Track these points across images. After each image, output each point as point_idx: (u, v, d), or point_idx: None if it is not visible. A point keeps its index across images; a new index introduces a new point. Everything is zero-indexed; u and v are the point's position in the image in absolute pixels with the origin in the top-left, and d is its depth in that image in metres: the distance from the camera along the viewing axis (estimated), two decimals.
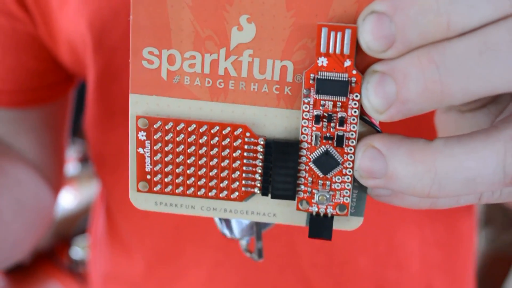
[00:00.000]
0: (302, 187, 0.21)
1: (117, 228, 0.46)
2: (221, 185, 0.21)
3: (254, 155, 0.21)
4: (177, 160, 0.21)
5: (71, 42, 0.38)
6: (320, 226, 0.21)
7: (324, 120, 0.20)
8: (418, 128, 0.30)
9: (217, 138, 0.21)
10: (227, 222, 0.25)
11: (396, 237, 0.40)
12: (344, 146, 0.20)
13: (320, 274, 0.39)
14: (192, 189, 0.21)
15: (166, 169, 0.21)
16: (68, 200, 1.05)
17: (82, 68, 0.40)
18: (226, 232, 0.25)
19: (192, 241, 0.41)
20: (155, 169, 0.21)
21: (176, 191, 0.21)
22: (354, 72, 0.19)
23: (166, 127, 0.21)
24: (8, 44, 0.39)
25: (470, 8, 0.17)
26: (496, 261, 1.02)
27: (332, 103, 0.19)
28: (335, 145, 0.20)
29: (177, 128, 0.21)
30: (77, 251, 0.98)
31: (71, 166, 1.12)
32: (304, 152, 0.20)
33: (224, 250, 0.40)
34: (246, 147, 0.21)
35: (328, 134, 0.20)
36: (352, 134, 0.20)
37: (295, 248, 0.39)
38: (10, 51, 0.40)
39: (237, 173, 0.21)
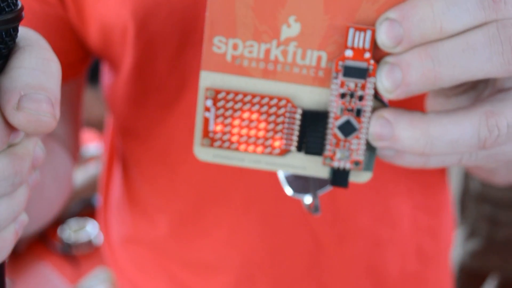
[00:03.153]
0: (328, 147, 0.28)
1: (138, 194, 0.51)
2: (265, 143, 0.28)
3: (293, 120, 0.27)
4: (233, 122, 0.28)
5: (106, 27, 0.42)
6: (339, 177, 0.28)
7: (347, 96, 0.27)
8: (413, 105, 0.38)
9: (266, 107, 0.27)
10: (291, 184, 0.31)
11: (390, 201, 0.47)
12: (361, 116, 0.27)
13: (326, 230, 0.46)
14: (244, 145, 0.28)
15: (225, 129, 0.28)
16: (68, 194, 1.09)
17: (110, 50, 0.44)
18: (289, 191, 0.31)
19: (213, 203, 0.46)
20: (216, 129, 0.28)
21: (232, 146, 0.28)
22: (372, 62, 0.26)
23: (228, 97, 0.27)
24: (39, 26, 0.43)
25: (456, 17, 0.25)
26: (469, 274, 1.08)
27: (354, 84, 0.26)
28: (355, 115, 0.27)
29: (236, 98, 0.27)
30: (69, 234, 1.02)
31: None
32: (331, 120, 0.27)
33: (243, 211, 0.46)
34: (287, 114, 0.27)
35: (350, 107, 0.27)
36: (368, 108, 0.27)
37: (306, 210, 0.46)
38: (40, 33, 0.44)
39: (279, 134, 0.28)
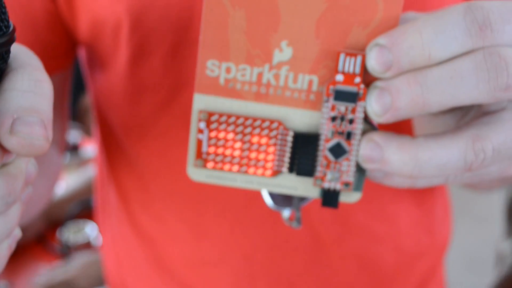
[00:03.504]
0: (319, 168, 0.28)
1: (135, 193, 0.51)
2: (258, 164, 0.28)
3: (285, 143, 0.28)
4: (226, 144, 0.28)
5: (98, 20, 0.42)
6: (330, 198, 0.29)
7: (338, 120, 0.27)
8: (401, 126, 0.38)
9: (258, 129, 0.28)
10: (273, 197, 0.32)
11: (386, 198, 0.48)
12: (351, 139, 0.27)
13: (325, 227, 0.47)
14: (236, 167, 0.28)
15: (217, 151, 0.28)
16: (58, 187, 1.10)
17: (101, 44, 0.44)
18: (270, 204, 0.32)
19: (212, 200, 0.46)
20: (209, 150, 0.28)
21: (224, 168, 0.28)
22: (362, 86, 0.27)
23: (221, 119, 0.28)
24: (27, 21, 0.43)
25: (444, 45, 0.25)
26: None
27: (344, 108, 0.27)
28: (345, 138, 0.27)
29: (229, 121, 0.28)
30: (68, 236, 1.03)
31: None
32: (322, 142, 0.28)
33: (243, 208, 0.46)
34: (279, 137, 0.28)
35: (340, 131, 0.27)
36: (358, 131, 0.27)
37: (307, 207, 0.46)
38: (29, 27, 0.43)
39: (271, 156, 0.28)
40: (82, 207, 1.08)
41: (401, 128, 0.34)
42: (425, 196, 0.51)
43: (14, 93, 0.24)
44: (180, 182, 0.47)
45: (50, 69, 0.43)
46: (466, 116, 0.30)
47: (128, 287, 0.54)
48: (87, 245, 1.02)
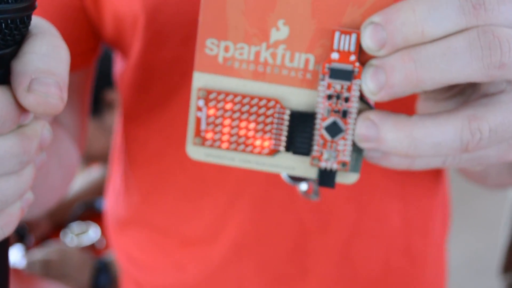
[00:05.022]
0: (315, 147, 0.28)
1: (140, 178, 0.52)
2: (255, 143, 0.29)
3: (282, 121, 0.28)
4: (224, 122, 0.28)
5: (119, 17, 0.44)
6: (326, 177, 0.29)
7: (334, 98, 0.28)
8: (401, 108, 0.38)
9: (255, 108, 0.28)
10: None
11: (377, 194, 0.48)
12: (347, 118, 0.28)
13: (310, 217, 0.48)
14: (234, 145, 0.29)
15: (216, 129, 0.29)
16: (73, 183, 1.11)
17: (121, 39, 0.46)
18: (287, 178, 0.32)
19: (209, 186, 0.48)
20: (207, 128, 0.29)
21: (222, 146, 0.29)
22: (357, 64, 0.27)
23: (219, 97, 0.28)
24: (55, 15, 0.45)
25: (437, 22, 0.25)
26: None
27: (340, 86, 0.27)
28: (341, 116, 0.28)
29: (227, 99, 0.28)
30: (72, 238, 1.03)
31: None
32: (318, 121, 0.28)
33: (236, 194, 0.48)
34: (276, 115, 0.28)
35: (336, 109, 0.28)
36: (353, 109, 0.28)
37: (294, 196, 0.47)
38: (57, 22, 0.45)
39: (268, 134, 0.29)
40: (86, 209, 1.09)
41: (400, 110, 0.35)
42: (420, 196, 0.51)
43: (33, 56, 0.26)
44: (180, 168, 0.48)
45: (74, 65, 0.45)
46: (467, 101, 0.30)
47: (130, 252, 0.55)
48: (90, 247, 1.02)
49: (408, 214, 0.50)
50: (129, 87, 0.49)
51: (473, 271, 1.83)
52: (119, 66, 0.52)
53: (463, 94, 0.31)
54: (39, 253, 0.92)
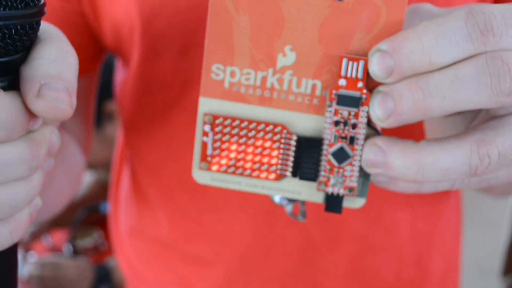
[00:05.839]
0: (322, 173, 0.28)
1: (142, 187, 0.52)
2: (262, 168, 0.29)
3: (289, 147, 0.28)
4: (231, 147, 0.28)
5: (117, 24, 0.44)
6: (333, 203, 0.29)
7: (341, 124, 0.27)
8: (411, 130, 0.38)
9: (262, 133, 0.28)
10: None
11: (385, 206, 0.48)
12: (354, 144, 0.28)
13: (318, 230, 0.47)
14: (240, 170, 0.29)
15: (222, 154, 0.28)
16: (79, 189, 1.10)
17: (121, 47, 0.46)
18: (276, 199, 0.32)
19: (211, 200, 0.48)
20: (214, 153, 0.28)
21: (228, 171, 0.29)
22: (365, 91, 0.27)
23: (225, 123, 0.28)
24: (58, 21, 0.45)
25: (445, 50, 0.25)
26: None
27: (347, 112, 0.27)
28: (348, 143, 0.28)
29: (233, 124, 0.28)
30: (74, 241, 1.04)
31: None
32: (325, 147, 0.28)
33: (240, 208, 0.47)
34: (283, 141, 0.28)
35: (343, 135, 0.28)
36: (361, 136, 0.27)
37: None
38: (59, 27, 0.46)
39: (275, 160, 0.28)
40: (90, 213, 1.09)
41: (407, 133, 0.35)
42: (429, 208, 0.51)
43: (42, 61, 0.26)
44: (181, 182, 0.48)
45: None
46: (476, 119, 0.30)
47: (137, 269, 0.55)
48: (94, 250, 1.03)
49: (416, 223, 0.50)
50: (130, 96, 0.49)
51: (474, 273, 1.83)
52: (120, 75, 0.52)
53: (471, 111, 0.31)
54: (34, 269, 0.92)
